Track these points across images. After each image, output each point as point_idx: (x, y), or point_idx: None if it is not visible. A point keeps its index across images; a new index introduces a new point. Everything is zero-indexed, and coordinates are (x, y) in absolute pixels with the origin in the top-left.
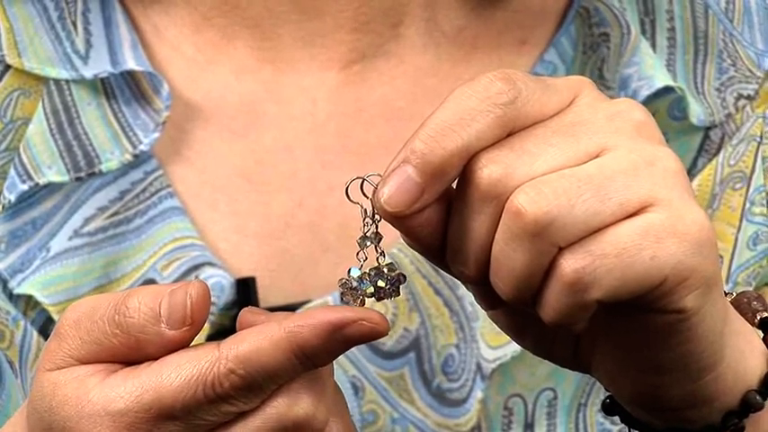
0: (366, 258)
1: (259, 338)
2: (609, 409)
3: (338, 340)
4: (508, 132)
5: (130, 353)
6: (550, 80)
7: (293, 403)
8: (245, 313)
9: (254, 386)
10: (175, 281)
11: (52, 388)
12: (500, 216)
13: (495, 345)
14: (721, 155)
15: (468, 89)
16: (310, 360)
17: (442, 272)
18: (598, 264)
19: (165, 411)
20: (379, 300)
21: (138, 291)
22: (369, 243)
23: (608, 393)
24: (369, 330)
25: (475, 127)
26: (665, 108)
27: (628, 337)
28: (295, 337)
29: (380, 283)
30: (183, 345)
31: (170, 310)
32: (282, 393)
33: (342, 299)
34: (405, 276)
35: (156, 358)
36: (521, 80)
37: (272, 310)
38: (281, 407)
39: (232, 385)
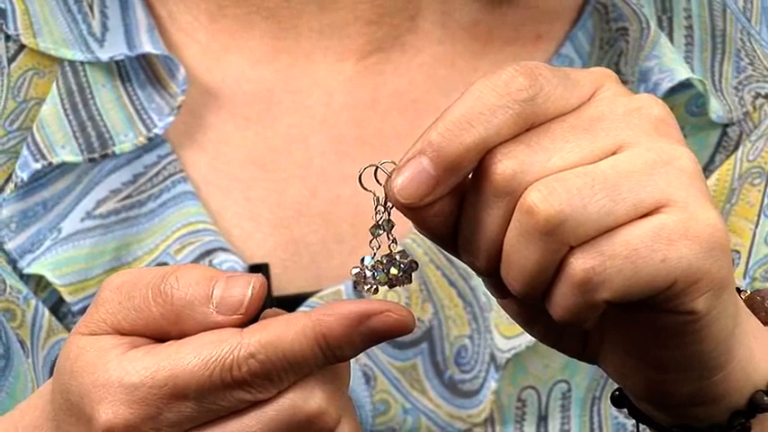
0: (379, 247)
1: (284, 325)
2: (617, 401)
3: (363, 331)
4: (527, 128)
5: (167, 327)
6: (573, 72)
7: (308, 396)
8: (269, 313)
9: (273, 374)
10: None
11: (77, 352)
12: (513, 212)
13: (509, 335)
14: (740, 150)
15: (488, 83)
16: (332, 351)
17: (455, 262)
18: (608, 264)
19: (179, 391)
20: (391, 287)
21: (190, 267)
22: (381, 231)
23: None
24: (394, 322)
25: (493, 122)
26: (683, 103)
27: (636, 335)
28: (320, 325)
29: (393, 271)
30: None
31: (225, 294)
32: (298, 386)
33: (355, 287)
34: (417, 263)
35: None
36: (543, 75)
37: (284, 298)
38: (296, 399)
39: (250, 370)
